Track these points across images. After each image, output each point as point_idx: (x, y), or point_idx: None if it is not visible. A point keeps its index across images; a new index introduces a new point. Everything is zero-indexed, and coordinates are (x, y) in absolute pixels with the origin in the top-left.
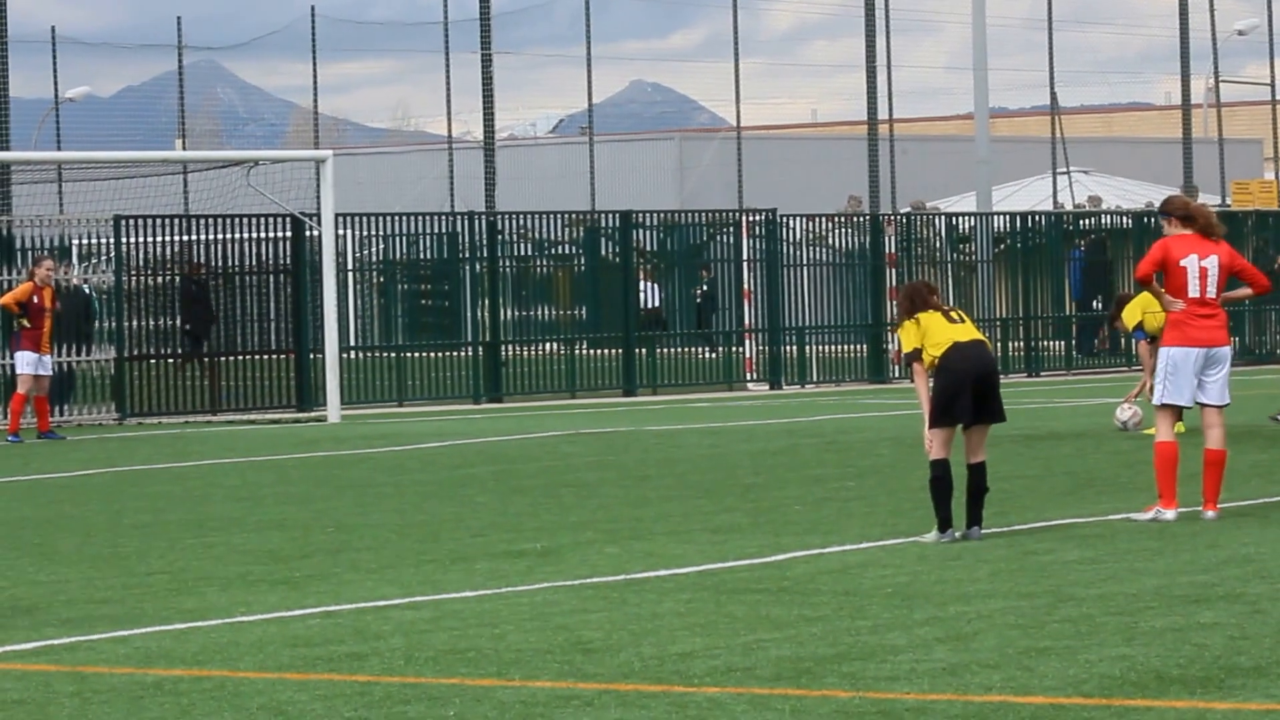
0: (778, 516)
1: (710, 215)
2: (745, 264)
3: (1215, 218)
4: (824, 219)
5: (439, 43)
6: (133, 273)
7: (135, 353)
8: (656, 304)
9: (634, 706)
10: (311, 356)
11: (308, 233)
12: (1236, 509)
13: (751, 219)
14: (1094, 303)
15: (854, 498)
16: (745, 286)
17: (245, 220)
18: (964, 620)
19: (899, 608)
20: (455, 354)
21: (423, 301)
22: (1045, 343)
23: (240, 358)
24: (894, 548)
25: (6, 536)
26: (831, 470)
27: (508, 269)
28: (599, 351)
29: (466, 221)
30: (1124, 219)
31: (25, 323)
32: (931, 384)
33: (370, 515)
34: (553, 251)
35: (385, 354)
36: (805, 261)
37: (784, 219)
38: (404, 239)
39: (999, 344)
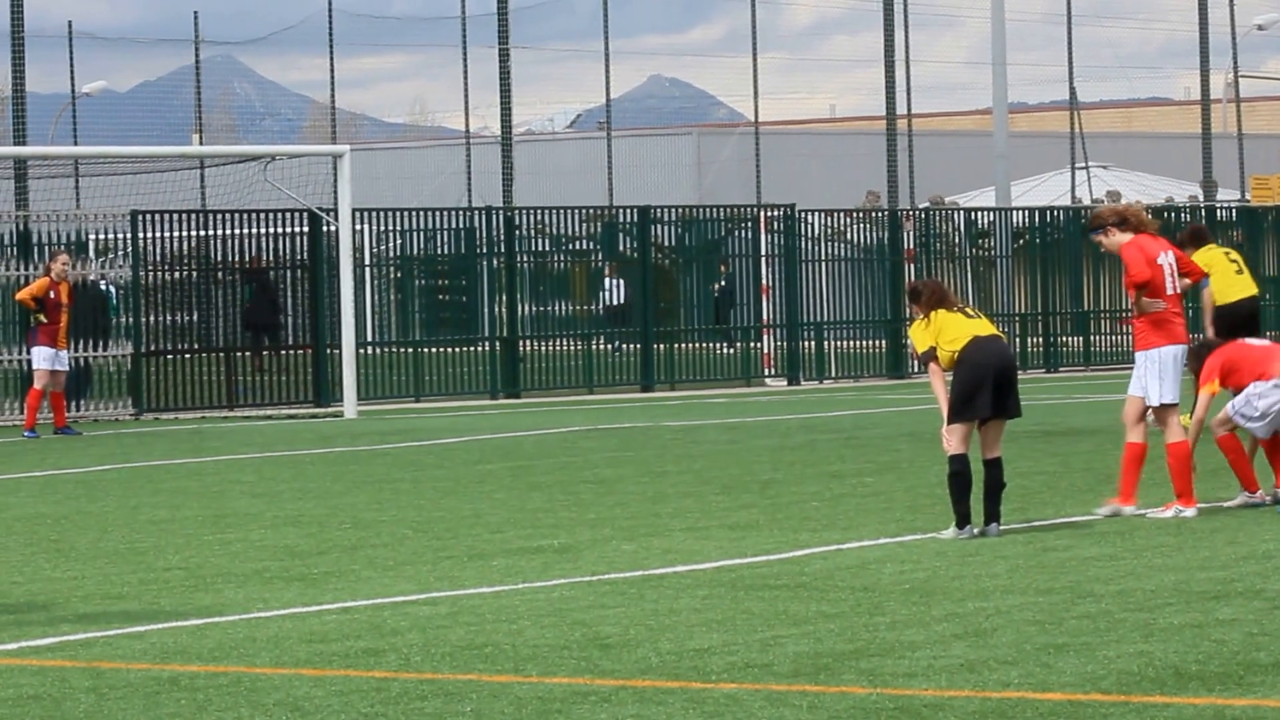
0: (796, 512)
1: (728, 210)
2: (763, 259)
3: (1147, 214)
4: (842, 214)
5: (457, 37)
6: (149, 268)
7: (152, 348)
8: (621, 300)
9: (651, 702)
10: (329, 352)
11: (325, 228)
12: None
13: (770, 214)
14: None
15: (872, 493)
16: (763, 282)
17: (262, 215)
18: (982, 616)
19: (917, 604)
20: (472, 349)
21: (440, 297)
22: (1064, 338)
23: (246, 354)
24: (912, 544)
25: (23, 532)
26: (850, 466)
27: (525, 264)
28: (616, 346)
29: (484, 217)
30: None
31: (42, 318)
32: (950, 378)
33: (387, 511)
34: (570, 247)
35: (402, 349)
36: (823, 257)
37: (802, 214)
38: (421, 234)
39: (1018, 340)
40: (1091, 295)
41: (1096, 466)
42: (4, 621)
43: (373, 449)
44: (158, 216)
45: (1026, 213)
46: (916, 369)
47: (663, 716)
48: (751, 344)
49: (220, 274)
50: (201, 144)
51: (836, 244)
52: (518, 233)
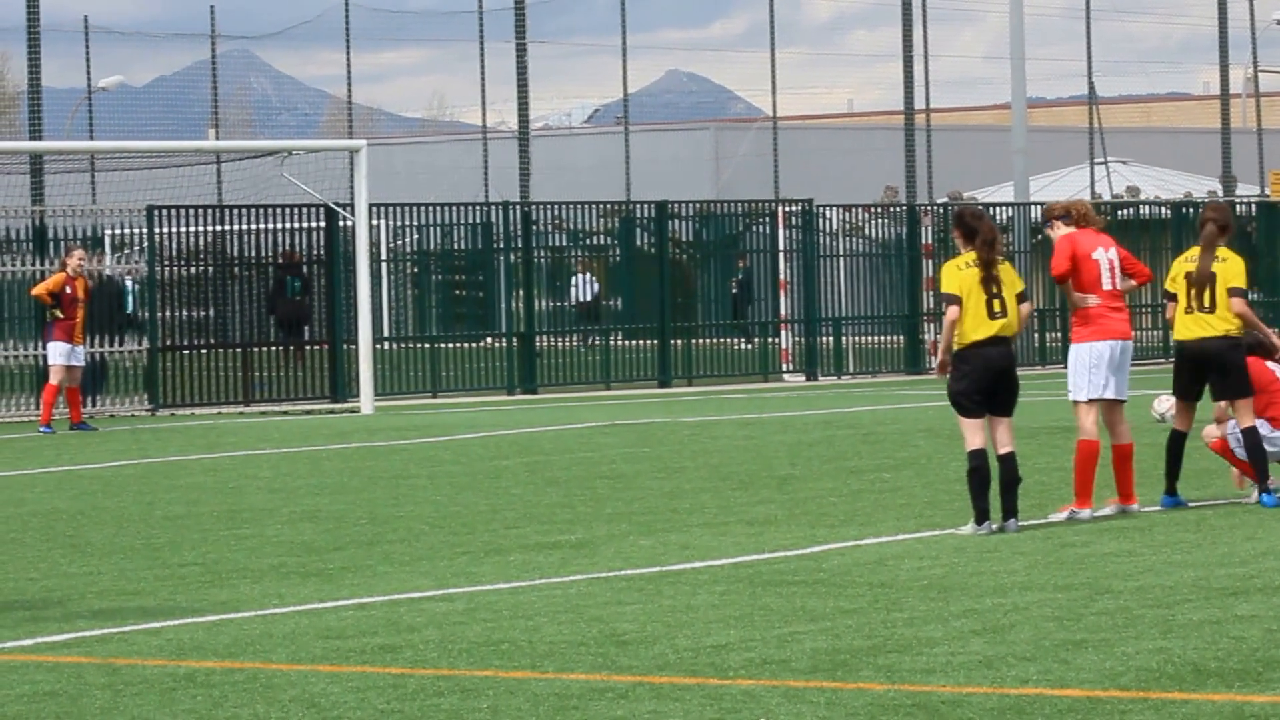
0: (813, 508)
1: (746, 205)
2: (781, 254)
3: (1093, 210)
4: (860, 209)
5: (474, 32)
6: (165, 263)
7: (168, 343)
8: (590, 297)
9: (668, 699)
10: (345, 347)
11: (341, 223)
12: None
13: (787, 209)
14: None
15: (890, 489)
16: (781, 277)
17: (279, 211)
18: (1000, 612)
19: (935, 600)
20: (489, 345)
21: (457, 292)
22: None
23: (273, 348)
24: (930, 540)
25: (39, 528)
26: (867, 462)
27: (542, 260)
28: (633, 342)
29: (501, 212)
30: (1162, 209)
31: (58, 313)
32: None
33: (404, 507)
34: (587, 242)
35: (419, 345)
36: (841, 252)
37: (820, 209)
38: (438, 229)
39: (1036, 335)
40: None
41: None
42: (20, 617)
43: (389, 444)
44: (174, 211)
45: (1045, 208)
46: (934, 364)
47: (680, 713)
48: (769, 339)
49: (236, 269)
50: (218, 139)
51: (855, 239)
52: (535, 228)
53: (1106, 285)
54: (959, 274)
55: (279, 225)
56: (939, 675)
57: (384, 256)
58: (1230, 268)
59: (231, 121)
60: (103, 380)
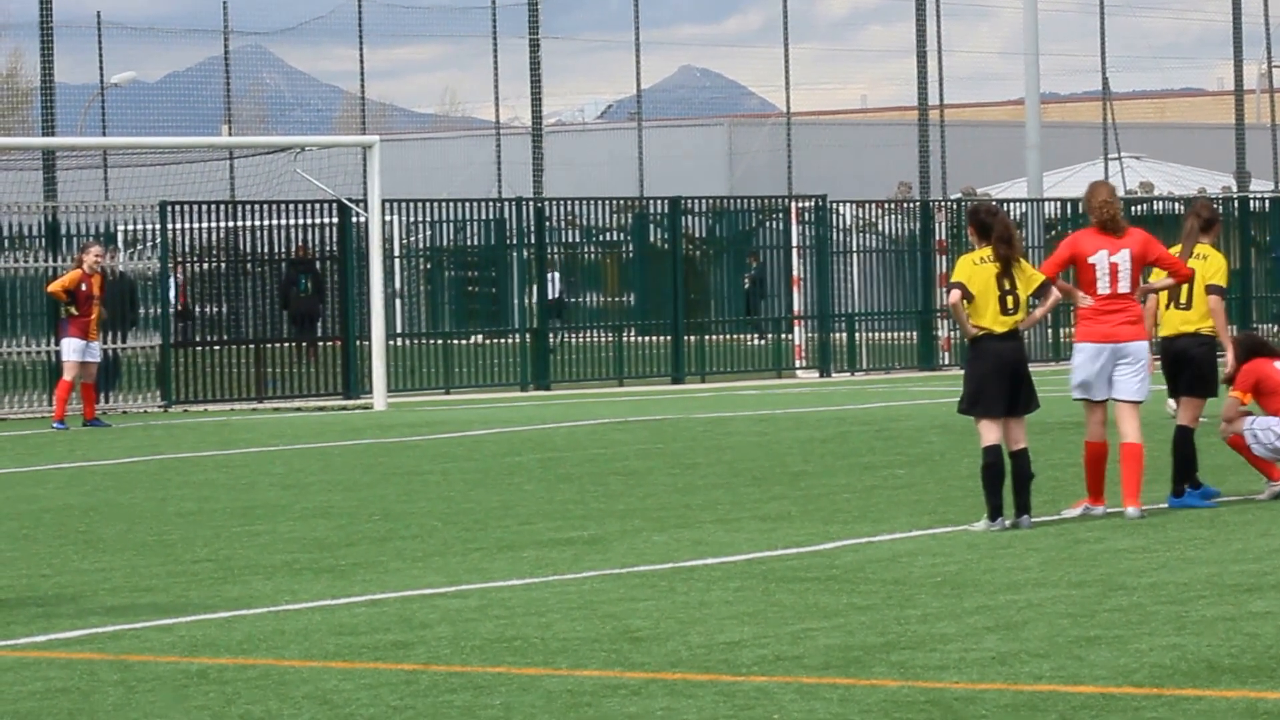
0: (827, 504)
1: (760, 201)
2: (795, 250)
3: (1107, 211)
4: (874, 205)
5: (487, 27)
6: (178, 259)
7: (180, 339)
8: (557, 294)
9: (681, 696)
10: (358, 343)
11: (354, 219)
12: None
13: (801, 205)
14: None
15: (903, 486)
16: (795, 273)
17: (291, 207)
18: (1014, 609)
19: (948, 596)
20: (502, 341)
21: (470, 288)
22: None
23: (286, 345)
24: (943, 536)
25: (52, 524)
26: (881, 458)
27: (556, 255)
28: (647, 339)
29: (514, 208)
30: (1176, 205)
31: (73, 310)
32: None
33: (416, 503)
34: (601, 238)
35: (432, 341)
36: (855, 248)
37: (834, 205)
38: (451, 225)
39: (1049, 330)
40: None
41: None
42: (32, 614)
43: (402, 441)
44: (187, 208)
45: (1059, 204)
46: (948, 360)
47: (693, 710)
48: (783, 335)
49: (250, 265)
50: (231, 135)
51: (868, 235)
52: (548, 224)
53: (1102, 289)
54: (973, 268)
55: (292, 221)
56: (952, 672)
57: (397, 252)
58: (1210, 265)
59: (244, 117)
60: (115, 377)
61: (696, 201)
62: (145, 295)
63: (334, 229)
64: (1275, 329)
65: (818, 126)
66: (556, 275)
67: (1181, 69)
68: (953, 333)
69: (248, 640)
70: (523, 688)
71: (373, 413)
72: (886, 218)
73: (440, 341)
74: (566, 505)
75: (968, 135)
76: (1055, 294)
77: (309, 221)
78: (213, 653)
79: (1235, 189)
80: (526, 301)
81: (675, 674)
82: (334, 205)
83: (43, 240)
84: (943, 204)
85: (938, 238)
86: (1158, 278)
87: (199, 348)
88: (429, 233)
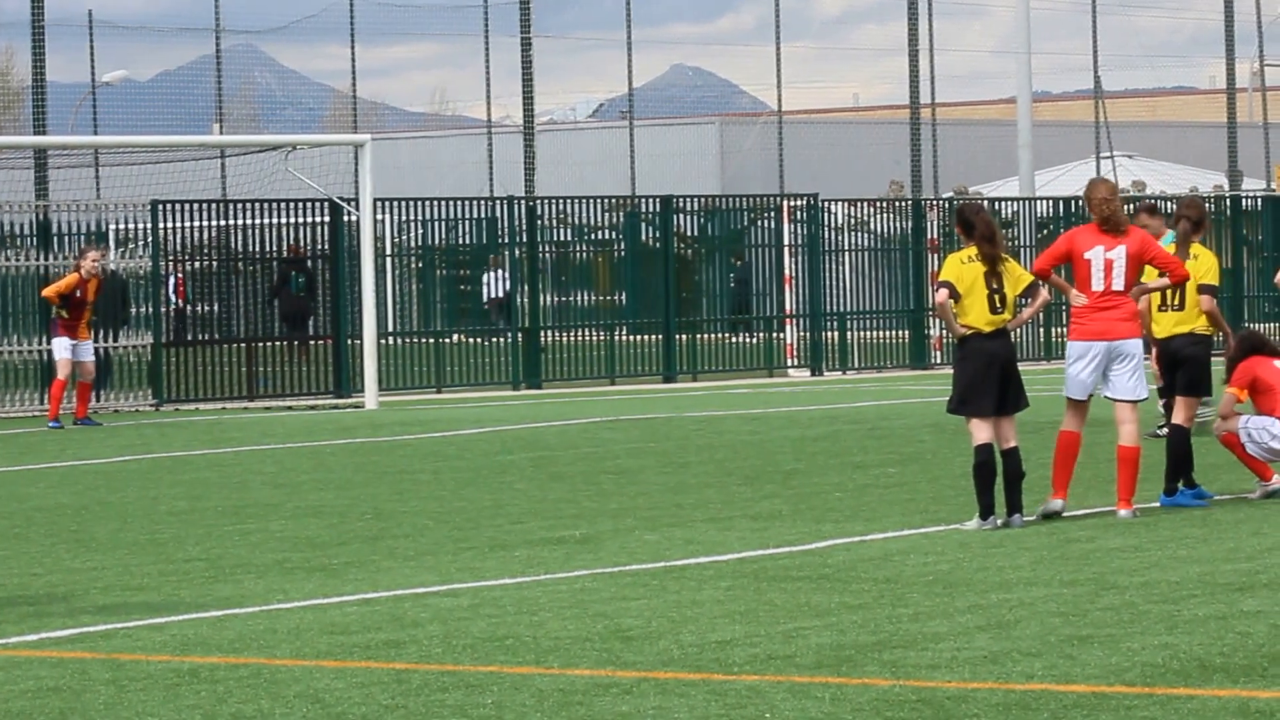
0: (818, 503)
1: (751, 200)
2: (786, 249)
3: (1107, 207)
4: (866, 204)
5: (479, 26)
6: (170, 258)
7: (172, 338)
8: (501, 294)
9: (673, 695)
10: (349, 342)
11: (346, 218)
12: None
13: (793, 204)
14: None
15: (895, 485)
16: (786, 272)
17: (283, 205)
18: (1005, 608)
19: (940, 595)
20: (494, 340)
21: (461, 287)
22: None
23: (278, 343)
24: (935, 535)
25: (43, 523)
26: (873, 457)
27: (547, 254)
28: (639, 337)
29: (505, 206)
30: (1168, 204)
31: (64, 313)
32: (953, 369)
33: (408, 502)
34: (592, 237)
35: (424, 340)
36: (847, 247)
37: (825, 204)
38: (443, 224)
39: (1041, 330)
40: None
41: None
42: (24, 613)
43: (394, 440)
44: (178, 206)
45: (1051, 203)
46: (940, 359)
47: (685, 709)
48: (774, 334)
49: (241, 264)
50: (222, 133)
51: (860, 234)
52: (539, 223)
53: (1096, 287)
54: (960, 267)
55: (283, 220)
56: (944, 671)
57: (388, 251)
58: (1201, 265)
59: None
60: (107, 375)
61: (688, 200)
62: (137, 294)
63: (325, 228)
64: (1275, 328)
65: (810, 125)
66: (501, 274)
67: (1173, 67)
68: (944, 331)
69: (239, 639)
70: (514, 686)
71: (364, 411)
72: (878, 216)
73: (432, 340)
74: (558, 504)
75: (960, 134)
76: (1044, 294)
77: (301, 220)
78: (204, 652)
79: (1227, 188)
80: (518, 300)
81: (667, 673)
82: (325, 204)
83: (34, 239)
84: (935, 203)
85: (929, 236)
86: (1151, 278)
87: (190, 346)
88: (421, 231)
